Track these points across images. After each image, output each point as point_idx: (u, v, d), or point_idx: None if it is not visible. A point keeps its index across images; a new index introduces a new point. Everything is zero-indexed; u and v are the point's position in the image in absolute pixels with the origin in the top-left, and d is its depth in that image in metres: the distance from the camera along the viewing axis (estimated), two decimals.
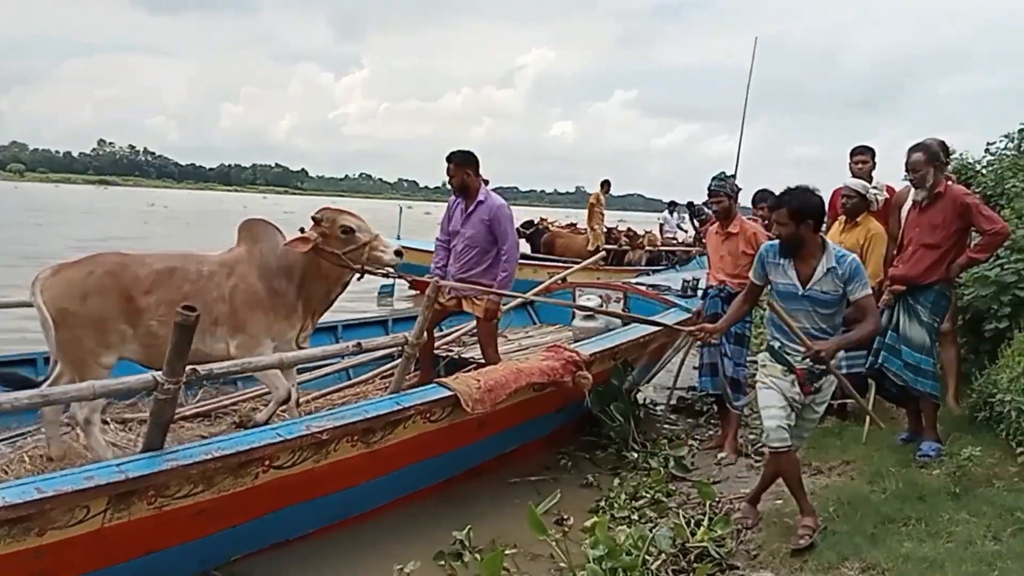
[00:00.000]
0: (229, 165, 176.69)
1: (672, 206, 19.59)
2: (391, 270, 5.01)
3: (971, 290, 5.52)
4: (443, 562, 3.78)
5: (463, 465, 4.94)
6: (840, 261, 3.84)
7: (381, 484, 4.34)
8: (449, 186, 5.70)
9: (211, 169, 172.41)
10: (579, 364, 5.04)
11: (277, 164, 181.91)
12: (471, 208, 5.61)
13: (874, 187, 5.59)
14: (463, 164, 5.59)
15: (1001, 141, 8.99)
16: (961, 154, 8.35)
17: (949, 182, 5.12)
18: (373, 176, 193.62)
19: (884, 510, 3.88)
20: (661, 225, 19.05)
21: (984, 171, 8.10)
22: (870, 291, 3.87)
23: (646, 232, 17.43)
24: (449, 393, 4.37)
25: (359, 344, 4.16)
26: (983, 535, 3.40)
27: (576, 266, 8.84)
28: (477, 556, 3.76)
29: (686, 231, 19.11)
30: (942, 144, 5.20)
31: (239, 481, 3.52)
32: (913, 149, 4.95)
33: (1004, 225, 4.86)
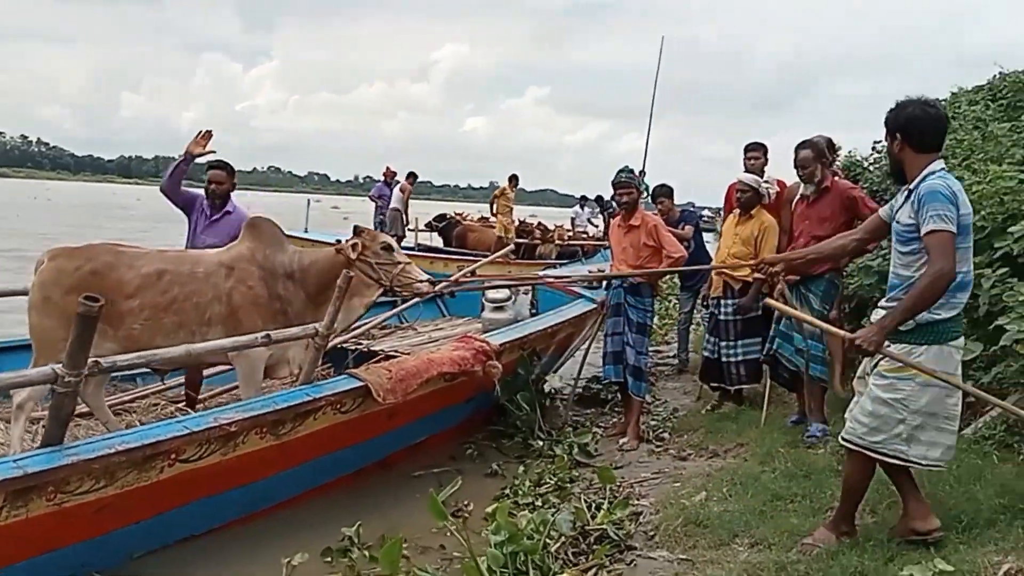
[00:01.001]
0: (130, 157, 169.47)
1: (583, 201, 19.99)
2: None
3: (856, 279, 5.86)
4: (330, 559, 3.77)
5: (373, 456, 4.96)
6: (920, 185, 3.10)
7: (291, 476, 4.32)
8: (215, 191, 5.59)
9: (110, 161, 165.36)
10: (489, 354, 5.12)
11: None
12: (217, 216, 5.56)
13: (765, 181, 5.89)
14: (233, 173, 5.69)
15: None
16: (850, 152, 8.80)
17: (836, 177, 5.44)
18: (283, 169, 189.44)
19: (773, 488, 4.09)
20: (572, 219, 19.38)
21: (871, 168, 8.57)
22: (944, 226, 2.99)
23: (557, 226, 17.73)
24: (360, 384, 4.36)
25: (268, 335, 4.12)
26: (862, 509, 3.62)
27: (484, 259, 8.94)
28: (366, 553, 3.76)
29: (597, 225, 19.50)
30: (829, 141, 5.53)
31: (143, 476, 3.47)
32: (801, 146, 5.24)
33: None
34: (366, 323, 6.64)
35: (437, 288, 5.31)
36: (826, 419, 5.06)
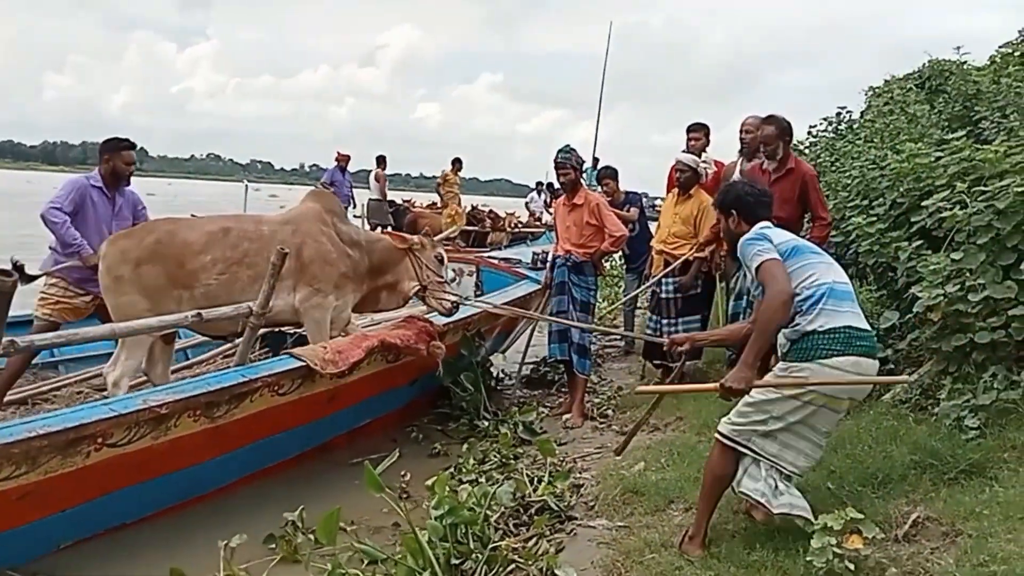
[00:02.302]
0: (54, 142, 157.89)
1: (539, 186, 20.08)
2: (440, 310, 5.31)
3: None
4: (274, 545, 3.71)
5: (314, 440, 4.85)
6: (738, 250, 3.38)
7: (227, 462, 4.18)
8: (128, 173, 5.25)
9: (32, 147, 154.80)
10: (432, 334, 5.10)
11: None
12: (117, 199, 5.21)
13: (703, 161, 5.98)
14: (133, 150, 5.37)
15: (822, 124, 9.93)
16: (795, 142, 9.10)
17: (798, 157, 5.45)
18: (223, 157, 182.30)
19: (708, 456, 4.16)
20: (527, 204, 19.42)
21: (807, 151, 8.80)
22: (763, 257, 3.16)
23: (509, 214, 17.79)
24: (299, 364, 4.24)
25: (199, 314, 4.02)
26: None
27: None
28: (310, 536, 3.72)
29: (552, 212, 19.51)
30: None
31: (68, 461, 3.32)
32: (765, 122, 5.12)
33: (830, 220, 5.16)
34: None
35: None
36: None
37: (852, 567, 2.72)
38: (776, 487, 3.12)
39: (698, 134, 6.53)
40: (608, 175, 7.99)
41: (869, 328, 3.15)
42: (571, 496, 4.16)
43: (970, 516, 3.02)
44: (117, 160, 5.10)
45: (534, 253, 7.77)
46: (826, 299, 3.05)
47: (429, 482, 3.58)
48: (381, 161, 15.28)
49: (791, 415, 3.08)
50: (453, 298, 5.29)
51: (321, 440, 4.93)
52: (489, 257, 7.96)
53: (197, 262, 4.54)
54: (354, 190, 14.90)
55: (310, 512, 3.93)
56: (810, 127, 10.13)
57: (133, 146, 5.27)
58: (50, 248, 5.01)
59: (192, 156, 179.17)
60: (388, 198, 15.98)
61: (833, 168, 7.68)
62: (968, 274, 3.97)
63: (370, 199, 15.21)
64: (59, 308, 4.90)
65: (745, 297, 5.22)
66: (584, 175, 6.46)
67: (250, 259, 4.64)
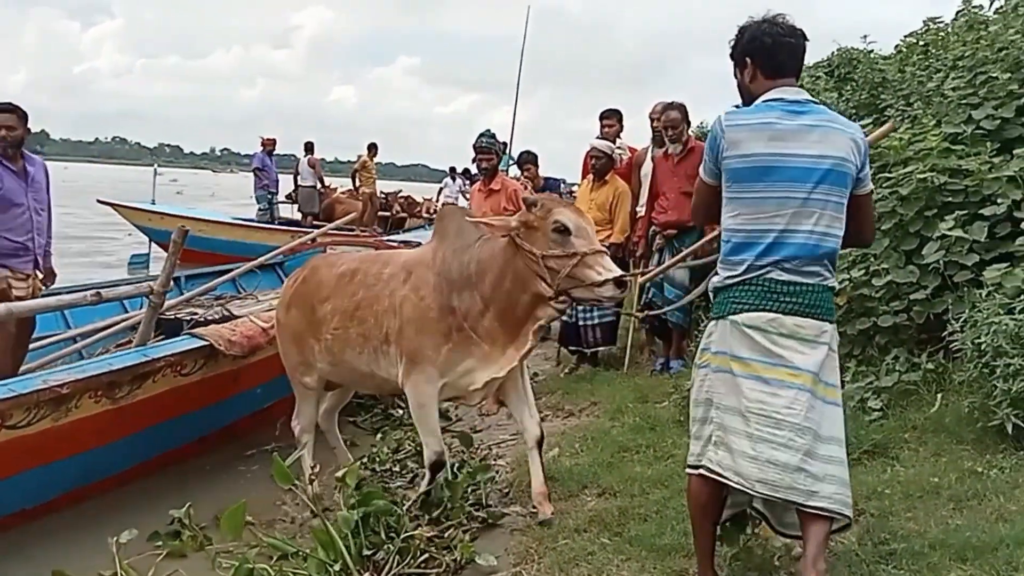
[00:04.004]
0: None
1: (453, 172, 19.86)
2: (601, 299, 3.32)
3: None
4: (160, 542, 3.58)
5: (218, 423, 4.78)
6: None
7: (129, 444, 4.11)
8: (7, 139, 4.75)
9: None
10: None
11: None
12: (27, 168, 4.85)
13: (618, 148, 6.02)
14: (26, 118, 4.88)
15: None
16: (701, 123, 9.21)
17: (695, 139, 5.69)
18: (129, 140, 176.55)
19: (621, 441, 4.24)
20: (441, 189, 19.24)
21: None
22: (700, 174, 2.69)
23: (426, 199, 17.63)
24: (202, 344, 4.21)
25: (98, 293, 3.92)
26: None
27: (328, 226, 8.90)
28: (199, 534, 3.60)
29: (468, 198, 19.38)
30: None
31: None
32: (670, 107, 5.52)
33: None
34: (197, 290, 6.23)
35: (275, 254, 4.98)
36: (686, 359, 5.30)
37: (760, 551, 2.76)
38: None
39: (611, 120, 6.59)
40: (529, 160, 7.97)
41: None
42: (487, 484, 4.12)
43: (872, 495, 3.09)
44: None
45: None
46: (745, 253, 2.43)
47: (339, 473, 3.48)
48: (310, 148, 14.94)
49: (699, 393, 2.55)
50: (614, 273, 3.23)
51: (226, 422, 4.86)
52: (389, 240, 7.93)
53: (321, 311, 3.83)
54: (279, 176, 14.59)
55: (204, 504, 3.85)
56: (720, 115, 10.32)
57: (5, 108, 4.75)
58: None
59: (97, 139, 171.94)
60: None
61: None
62: (872, 259, 4.08)
63: (301, 185, 14.83)
64: None
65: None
66: (501, 161, 6.42)
67: (360, 313, 3.72)
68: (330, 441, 4.52)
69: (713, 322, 2.52)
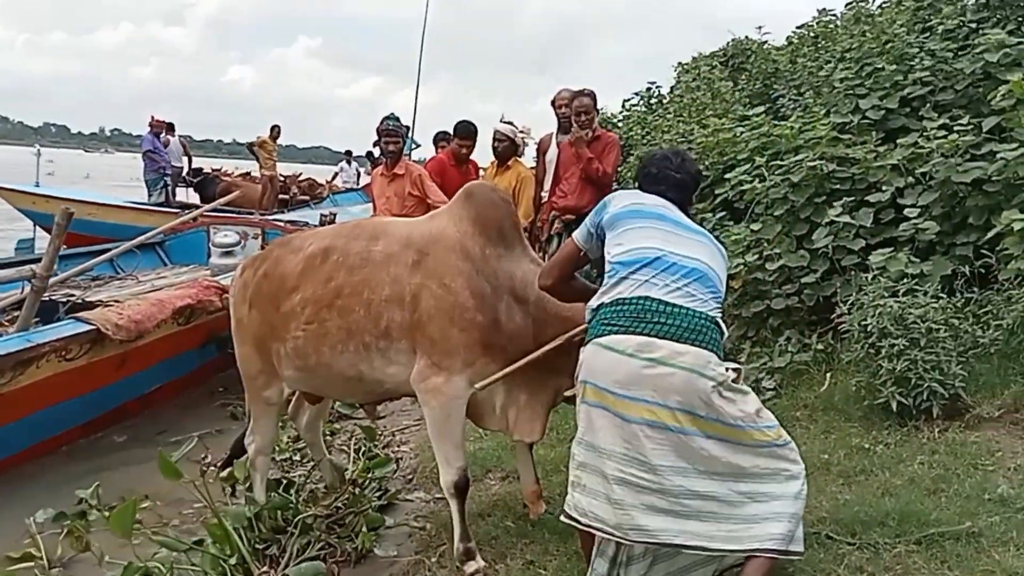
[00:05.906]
0: None
1: (349, 155, 19.49)
2: None
3: None
4: (67, 521, 3.42)
5: (105, 406, 4.69)
6: None
7: (14, 431, 4.02)
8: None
9: None
10: (222, 288, 4.92)
11: None
12: None
13: (521, 131, 6.00)
14: None
15: (634, 99, 10.27)
16: (602, 107, 9.32)
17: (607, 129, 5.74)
18: (11, 119, 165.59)
19: None
20: (336, 174, 18.87)
21: (620, 124, 9.08)
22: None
23: (328, 181, 17.31)
24: (88, 328, 4.10)
25: (33, 272, 3.70)
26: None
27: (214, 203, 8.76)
28: (106, 515, 3.45)
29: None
30: None
31: None
32: (581, 94, 5.44)
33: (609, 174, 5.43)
34: (73, 270, 5.77)
35: (156, 232, 4.74)
36: None
37: None
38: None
39: (467, 141, 6.07)
40: (445, 138, 7.91)
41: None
42: (391, 471, 4.07)
43: None
44: None
45: (321, 215, 7.73)
46: (620, 286, 2.39)
47: (224, 473, 3.39)
48: (170, 128, 14.25)
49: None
50: None
51: (112, 406, 4.77)
52: (275, 220, 7.82)
53: (287, 304, 3.10)
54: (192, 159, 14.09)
55: (113, 486, 3.76)
56: (624, 101, 10.45)
57: None
58: None
59: None
60: (195, 167, 15.09)
61: (644, 141, 7.98)
62: (766, 244, 4.21)
63: (174, 165, 14.23)
64: None
65: None
66: (405, 145, 6.32)
67: (342, 302, 2.99)
68: (314, 455, 3.92)
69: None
